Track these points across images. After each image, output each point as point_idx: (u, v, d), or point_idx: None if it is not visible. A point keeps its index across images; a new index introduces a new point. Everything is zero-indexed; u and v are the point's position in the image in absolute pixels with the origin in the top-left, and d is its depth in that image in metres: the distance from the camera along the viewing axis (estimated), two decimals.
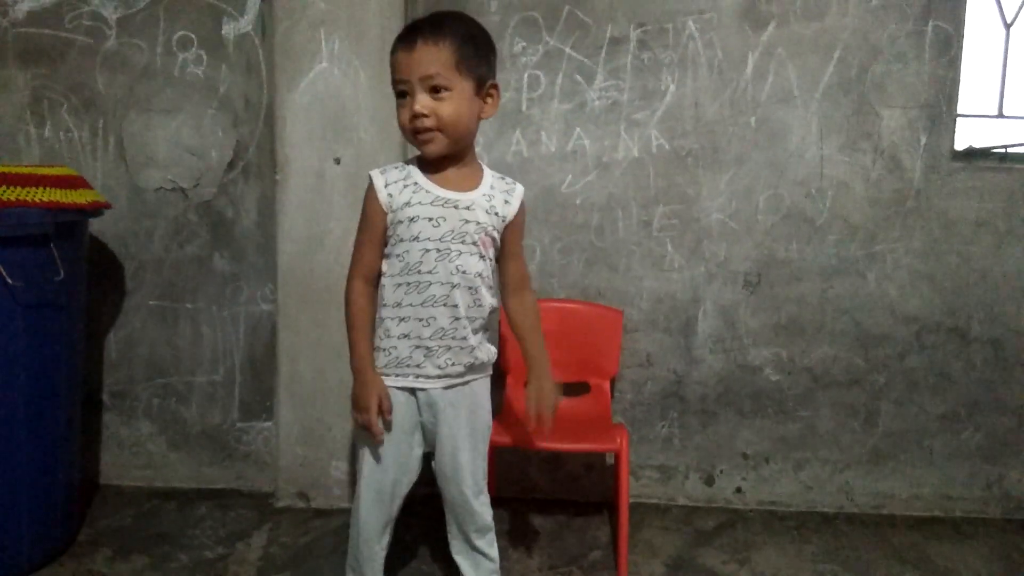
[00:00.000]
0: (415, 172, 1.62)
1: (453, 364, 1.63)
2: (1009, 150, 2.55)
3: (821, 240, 2.51)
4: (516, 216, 1.69)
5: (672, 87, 2.47)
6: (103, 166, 2.52)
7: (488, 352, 1.71)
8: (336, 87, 2.32)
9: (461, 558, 1.77)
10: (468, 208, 1.61)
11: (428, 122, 1.53)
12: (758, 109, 2.47)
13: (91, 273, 2.32)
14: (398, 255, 1.60)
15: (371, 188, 1.62)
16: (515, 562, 2.20)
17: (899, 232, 2.50)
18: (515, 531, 2.38)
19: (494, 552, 1.77)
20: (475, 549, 1.75)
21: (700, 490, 2.63)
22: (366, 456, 1.68)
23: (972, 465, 2.60)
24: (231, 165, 2.52)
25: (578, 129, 2.50)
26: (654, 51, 2.46)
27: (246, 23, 2.47)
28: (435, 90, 1.53)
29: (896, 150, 2.47)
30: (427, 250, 1.58)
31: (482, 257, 1.63)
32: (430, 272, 1.59)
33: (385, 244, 1.64)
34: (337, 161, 2.34)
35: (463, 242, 1.60)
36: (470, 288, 1.62)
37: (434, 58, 1.52)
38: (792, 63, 2.45)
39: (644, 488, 2.63)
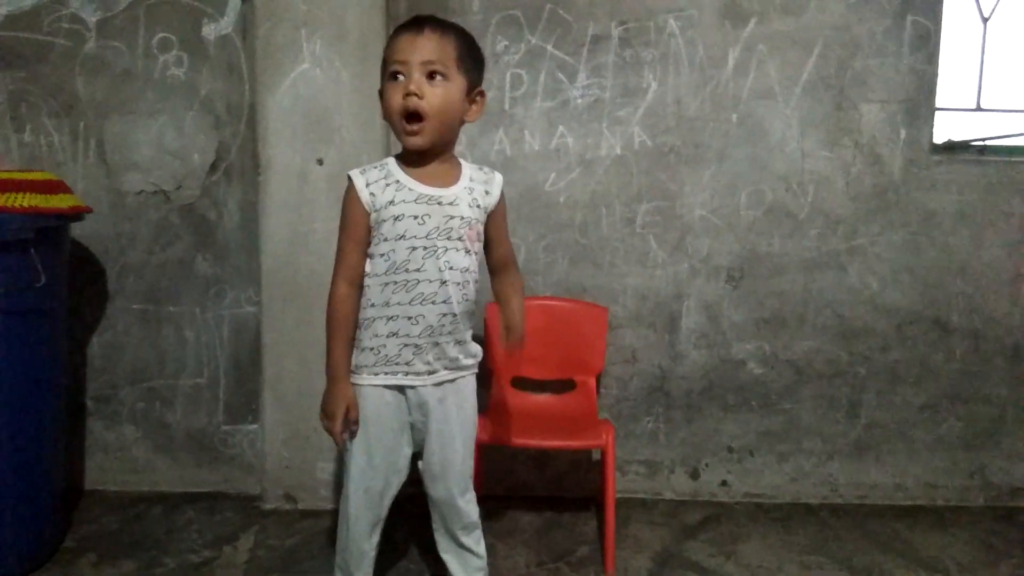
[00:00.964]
0: (396, 170, 1.62)
1: (440, 359, 1.64)
2: (987, 143, 2.58)
3: (803, 234, 2.53)
4: (498, 205, 1.69)
5: (654, 84, 2.48)
6: (84, 170, 2.50)
7: (476, 348, 1.72)
8: (318, 88, 2.32)
9: (448, 556, 1.78)
10: (452, 204, 1.61)
11: (419, 103, 1.53)
12: (739, 105, 2.48)
13: (73, 278, 2.31)
14: (383, 254, 1.60)
15: (351, 189, 1.62)
16: (503, 559, 2.21)
17: (880, 225, 2.53)
18: (503, 528, 2.39)
19: (481, 549, 1.78)
20: (462, 547, 1.76)
21: (686, 484, 2.65)
22: (355, 457, 1.68)
23: (954, 454, 2.63)
24: (213, 167, 2.51)
25: (561, 127, 2.50)
26: (636, 49, 2.47)
27: (227, 24, 2.46)
28: (431, 76, 1.54)
29: (876, 144, 2.50)
30: (414, 248, 1.58)
31: (468, 252, 1.63)
32: (418, 270, 1.59)
33: (368, 244, 1.64)
34: (320, 162, 2.34)
35: (449, 238, 1.60)
36: (459, 283, 1.62)
37: (438, 46, 1.55)
38: (772, 59, 2.46)
39: (631, 483, 2.64)
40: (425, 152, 1.60)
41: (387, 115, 1.60)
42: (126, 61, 2.46)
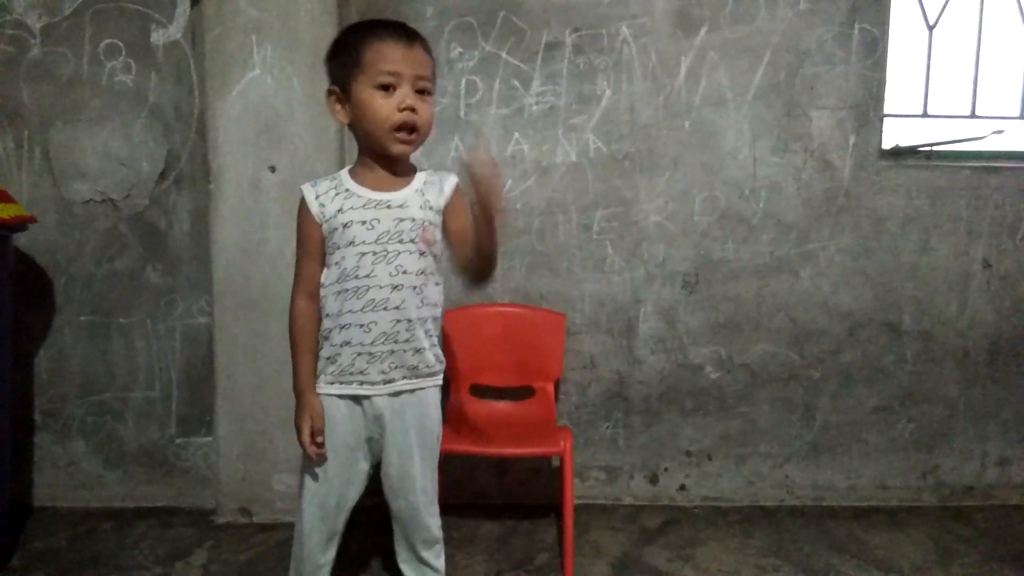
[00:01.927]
0: (346, 179, 1.62)
1: (397, 367, 1.62)
2: (934, 148, 2.64)
3: (756, 240, 2.56)
4: (453, 200, 1.65)
5: (608, 92, 2.49)
6: (29, 178, 2.44)
7: (437, 356, 1.68)
8: (269, 94, 2.29)
9: (407, 567, 1.76)
10: (401, 206, 1.60)
11: (415, 118, 1.54)
12: (692, 112, 2.50)
13: (18, 289, 2.25)
14: (336, 263, 1.59)
15: (303, 202, 1.62)
16: (462, 568, 2.19)
17: (831, 230, 2.56)
18: (462, 537, 2.37)
19: (440, 563, 1.76)
20: (422, 561, 1.74)
21: (645, 489, 2.66)
22: (309, 471, 1.66)
23: (907, 455, 2.67)
24: (163, 175, 2.47)
25: (516, 134, 2.50)
26: (589, 56, 2.48)
27: (176, 30, 2.42)
28: (420, 92, 1.56)
29: (826, 150, 2.53)
30: (363, 254, 1.57)
31: (423, 254, 1.61)
32: (368, 276, 1.57)
33: (324, 256, 1.62)
34: (272, 169, 2.31)
35: (400, 241, 1.59)
36: (414, 288, 1.60)
37: (425, 61, 1.57)
38: (724, 67, 2.49)
39: (590, 489, 2.64)
40: (393, 158, 1.60)
41: (368, 122, 1.55)
42: (72, 67, 2.41)
